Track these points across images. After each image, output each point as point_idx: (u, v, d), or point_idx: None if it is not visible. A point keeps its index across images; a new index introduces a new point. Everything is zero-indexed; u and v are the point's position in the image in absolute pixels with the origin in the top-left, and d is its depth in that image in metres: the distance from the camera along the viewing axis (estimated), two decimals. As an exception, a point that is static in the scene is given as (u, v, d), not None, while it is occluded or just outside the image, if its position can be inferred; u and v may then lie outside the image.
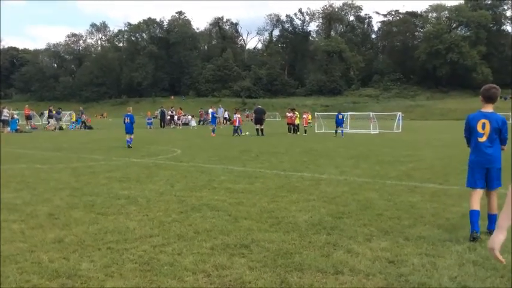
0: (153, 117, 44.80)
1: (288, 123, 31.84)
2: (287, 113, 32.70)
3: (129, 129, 19.38)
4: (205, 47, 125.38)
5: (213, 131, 28.73)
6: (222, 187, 9.05)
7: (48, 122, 38.26)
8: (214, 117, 31.36)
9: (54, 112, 37.64)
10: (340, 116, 28.34)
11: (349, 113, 39.70)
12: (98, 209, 7.08)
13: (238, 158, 14.89)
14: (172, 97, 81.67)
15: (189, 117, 49.82)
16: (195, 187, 9.06)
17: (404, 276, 4.25)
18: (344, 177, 10.40)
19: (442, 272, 4.32)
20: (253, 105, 66.01)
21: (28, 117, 40.18)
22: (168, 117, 43.17)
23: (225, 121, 47.06)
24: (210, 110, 35.19)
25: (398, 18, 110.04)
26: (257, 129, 28.84)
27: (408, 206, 7.27)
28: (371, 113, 36.67)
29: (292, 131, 30.96)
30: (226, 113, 49.95)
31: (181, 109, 46.34)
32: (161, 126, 41.25)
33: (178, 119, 43.35)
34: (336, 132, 27.97)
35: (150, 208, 7.14)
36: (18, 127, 33.27)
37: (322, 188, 8.96)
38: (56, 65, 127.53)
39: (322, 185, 9.32)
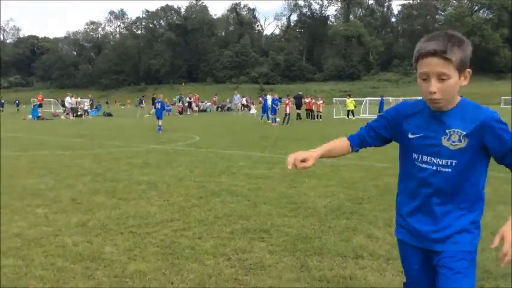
0: (172, 104, 45.07)
1: (306, 109, 31.77)
2: (305, 99, 32.64)
3: (160, 115, 20.05)
4: (223, 33, 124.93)
5: (273, 120, 26.11)
6: (241, 173, 9.08)
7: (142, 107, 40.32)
8: (274, 107, 26.76)
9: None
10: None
11: (368, 98, 39.33)
12: (120, 194, 7.18)
13: (257, 144, 14.90)
14: (183, 84, 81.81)
15: (208, 103, 49.95)
16: (214, 173, 9.12)
17: (425, 260, 4.22)
18: (363, 162, 10.34)
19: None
20: (270, 91, 66.14)
21: (40, 105, 40.43)
22: (186, 103, 43.38)
23: (242, 107, 47.04)
24: (269, 97, 28.93)
25: (418, 1, 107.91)
26: (298, 114, 30.08)
27: (429, 191, 7.19)
28: (390, 98, 36.23)
29: (310, 117, 30.98)
30: (244, 99, 49.92)
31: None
32: (180, 113, 41.46)
33: (196, 106, 43.55)
34: None
35: (170, 193, 7.21)
36: (40, 114, 33.79)
37: (341, 173, 8.93)
38: (75, 53, 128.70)
39: (342, 170, 9.28)
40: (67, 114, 36.12)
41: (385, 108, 31.64)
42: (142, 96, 45.39)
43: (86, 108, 38.68)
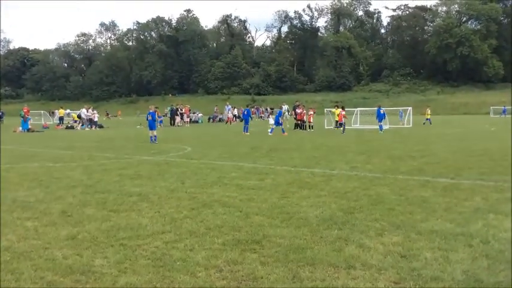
0: (163, 115, 44.97)
1: (297, 120, 31.70)
2: (297, 109, 32.54)
3: (152, 126, 20.29)
4: (214, 44, 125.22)
5: (271, 130, 25.75)
6: (233, 184, 9.06)
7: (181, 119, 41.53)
8: (278, 118, 27.11)
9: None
10: (382, 111, 28.19)
11: (358, 108, 39.50)
12: (110, 206, 7.12)
13: (249, 154, 14.89)
14: (170, 95, 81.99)
15: (200, 114, 49.88)
16: (205, 184, 9.09)
17: (416, 270, 4.23)
18: (355, 172, 10.37)
19: (455, 266, 4.29)
20: (262, 102, 66.57)
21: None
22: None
23: (234, 118, 47.14)
24: (284, 107, 30.92)
25: (407, 12, 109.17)
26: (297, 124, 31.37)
27: (420, 200, 7.23)
28: (381, 108, 36.37)
29: (302, 128, 30.92)
30: (235, 110, 50.09)
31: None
32: (171, 124, 41.38)
33: (188, 116, 43.53)
34: (380, 128, 27.75)
35: (162, 205, 7.17)
36: (30, 127, 33.59)
37: (333, 183, 8.94)
38: (66, 65, 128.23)
39: (333, 180, 9.30)
40: (88, 126, 36.74)
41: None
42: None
43: (95, 119, 38.78)
